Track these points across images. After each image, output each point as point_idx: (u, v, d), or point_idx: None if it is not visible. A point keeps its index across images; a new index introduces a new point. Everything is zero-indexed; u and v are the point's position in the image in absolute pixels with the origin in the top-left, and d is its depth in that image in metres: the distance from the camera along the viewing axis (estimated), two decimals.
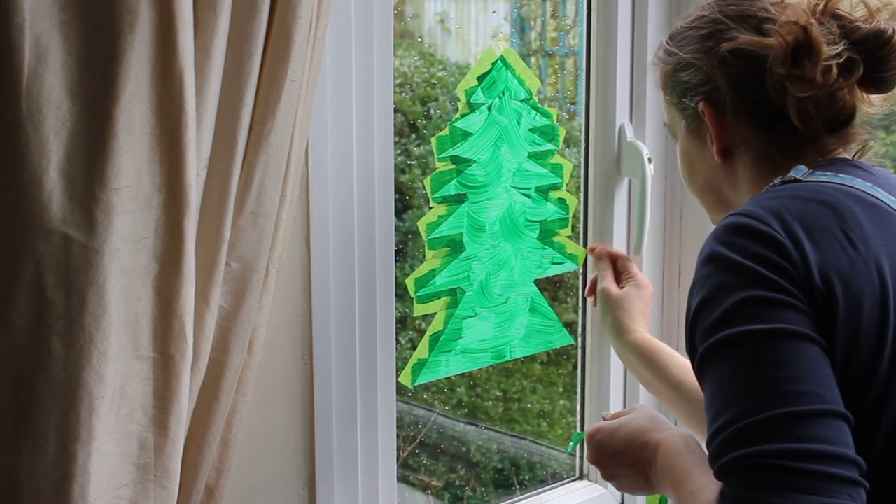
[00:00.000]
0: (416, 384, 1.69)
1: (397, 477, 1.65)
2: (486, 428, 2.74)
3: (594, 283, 1.81)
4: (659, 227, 1.96)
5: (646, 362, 1.62)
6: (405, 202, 2.22)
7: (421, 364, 1.68)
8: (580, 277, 1.97)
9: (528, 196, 1.76)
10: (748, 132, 1.29)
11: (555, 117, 1.78)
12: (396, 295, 1.59)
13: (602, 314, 1.76)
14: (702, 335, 1.10)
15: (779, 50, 1.21)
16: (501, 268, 1.75)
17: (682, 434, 1.28)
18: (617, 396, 1.98)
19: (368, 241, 1.53)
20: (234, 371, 1.25)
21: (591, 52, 1.90)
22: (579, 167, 1.92)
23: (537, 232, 1.78)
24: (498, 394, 2.72)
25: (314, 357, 1.48)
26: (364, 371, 1.55)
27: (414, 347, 1.71)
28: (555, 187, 1.79)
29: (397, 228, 1.60)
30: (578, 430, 2.06)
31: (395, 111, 1.55)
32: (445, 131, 1.65)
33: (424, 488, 2.63)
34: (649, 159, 1.84)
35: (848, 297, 1.07)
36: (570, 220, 1.83)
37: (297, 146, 1.26)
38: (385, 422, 1.60)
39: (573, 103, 2.15)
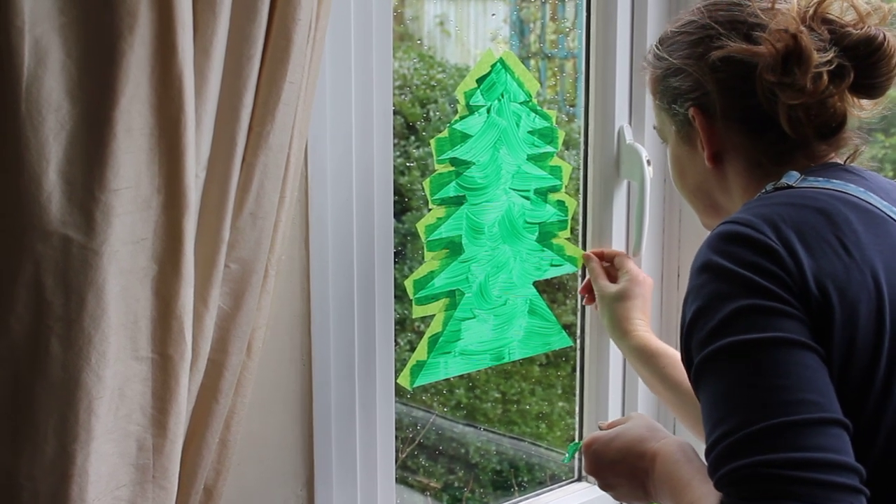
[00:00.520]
0: (415, 386, 1.69)
1: (396, 478, 1.65)
2: (484, 429, 2.74)
3: (588, 283, 1.81)
4: (658, 230, 1.96)
5: (645, 363, 1.63)
6: (404, 204, 2.23)
7: (420, 366, 1.68)
8: (579, 279, 1.97)
9: (527, 198, 1.76)
10: (738, 138, 1.28)
11: (554, 120, 1.78)
12: (395, 296, 1.59)
13: (601, 314, 1.76)
14: (698, 345, 1.09)
15: (768, 58, 1.20)
16: (500, 270, 1.75)
17: (679, 442, 1.27)
18: (616, 398, 1.98)
19: (367, 242, 1.53)
20: (232, 372, 1.25)
21: (590, 54, 1.90)
22: (578, 169, 1.93)
23: (536, 234, 1.78)
24: (497, 395, 2.72)
25: (313, 358, 1.49)
26: (363, 372, 1.55)
27: (413, 349, 1.71)
28: (554, 189, 1.79)
29: (396, 230, 1.60)
30: (575, 436, 2.06)
31: (395, 113, 1.55)
32: (444, 133, 1.65)
33: (423, 490, 2.63)
34: (648, 162, 1.84)
35: (844, 304, 1.07)
36: (569, 222, 1.83)
37: (297, 148, 1.26)
38: (384, 423, 1.60)
39: (572, 106, 2.16)
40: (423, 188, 1.66)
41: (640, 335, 1.67)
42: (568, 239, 1.84)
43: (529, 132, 1.75)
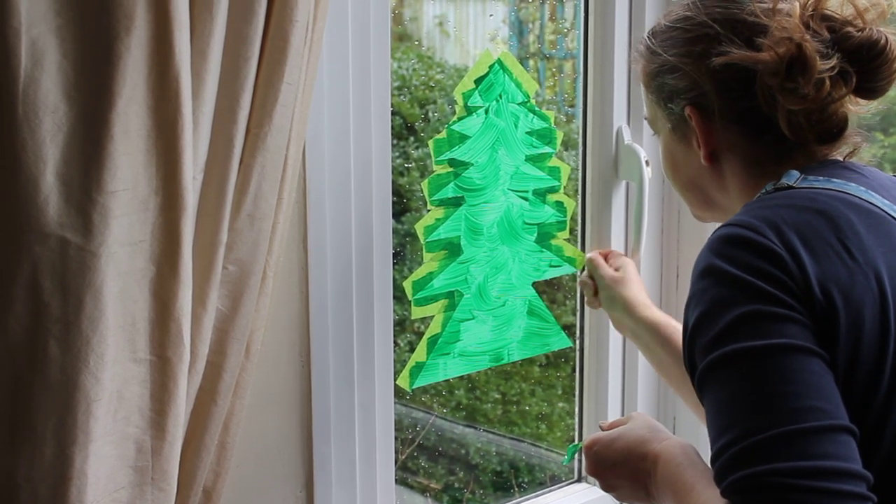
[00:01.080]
0: (414, 387, 1.69)
1: (396, 479, 1.65)
2: (484, 430, 2.74)
3: (589, 277, 1.79)
4: (656, 230, 1.96)
5: (663, 342, 1.61)
6: (403, 205, 2.23)
7: (419, 367, 1.68)
8: (578, 280, 1.97)
9: (526, 199, 1.76)
10: (736, 138, 1.27)
11: (552, 120, 1.78)
12: (394, 297, 1.59)
13: (608, 298, 1.74)
14: (701, 351, 1.08)
15: (771, 64, 1.19)
16: (499, 271, 1.75)
17: (681, 444, 1.26)
18: (615, 398, 1.98)
19: (366, 243, 1.53)
20: (231, 374, 1.25)
21: (588, 55, 1.90)
22: (577, 170, 1.93)
23: (535, 235, 1.78)
24: (497, 396, 2.72)
25: (312, 360, 1.49)
26: (362, 373, 1.55)
27: (412, 350, 1.71)
28: (552, 190, 1.79)
29: (396, 231, 1.60)
30: (575, 437, 2.06)
31: (394, 114, 1.55)
32: (443, 134, 1.65)
33: (423, 490, 2.63)
34: (647, 162, 1.84)
35: (849, 308, 1.06)
36: (568, 222, 1.83)
37: (294, 149, 1.26)
38: (383, 424, 1.60)
39: (571, 106, 2.15)
40: (421, 189, 1.66)
41: (657, 312, 1.65)
42: (567, 240, 1.84)
43: (528, 133, 1.75)
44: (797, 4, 1.22)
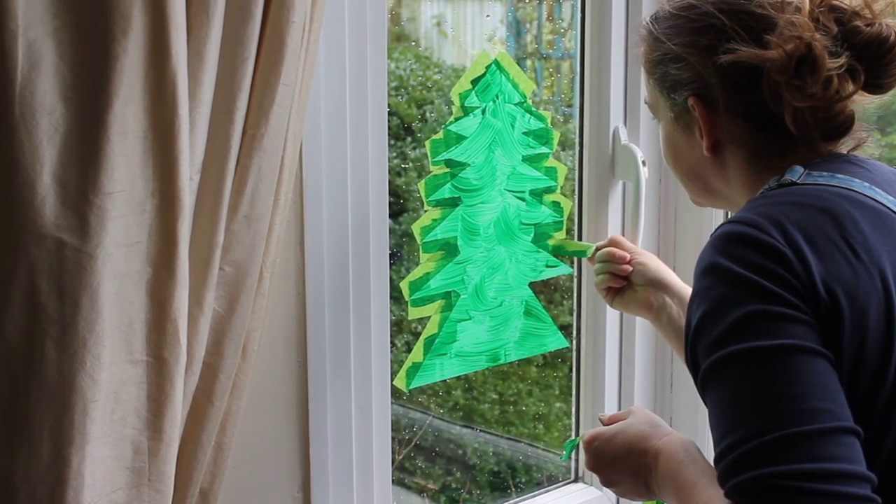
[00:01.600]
0: (411, 387, 1.69)
1: (393, 480, 1.66)
2: (481, 430, 2.74)
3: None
4: (653, 230, 1.96)
5: None
6: (401, 205, 2.23)
7: (416, 367, 1.68)
8: (575, 280, 1.98)
9: (523, 199, 1.76)
10: (740, 131, 1.25)
11: (549, 120, 1.78)
12: (391, 298, 1.59)
13: (641, 274, 1.64)
14: (705, 350, 1.08)
15: (779, 61, 1.17)
16: (496, 271, 1.75)
17: (682, 440, 1.25)
18: (612, 399, 1.98)
19: (363, 244, 1.53)
20: (228, 375, 1.25)
21: (585, 55, 1.90)
22: (574, 170, 1.93)
23: (532, 235, 1.78)
24: (494, 396, 2.72)
25: (308, 360, 1.49)
26: (359, 374, 1.55)
27: (409, 350, 1.71)
28: (549, 190, 1.80)
29: (393, 231, 1.60)
30: (572, 436, 2.06)
31: (391, 114, 1.55)
32: (439, 135, 1.65)
33: (420, 491, 2.63)
34: (643, 162, 1.84)
35: (853, 308, 1.05)
36: (565, 223, 1.83)
37: (291, 150, 1.26)
38: (380, 425, 1.60)
39: (568, 106, 2.16)
40: (418, 189, 1.66)
41: (682, 284, 1.62)
42: (563, 240, 1.84)
43: (524, 133, 1.75)
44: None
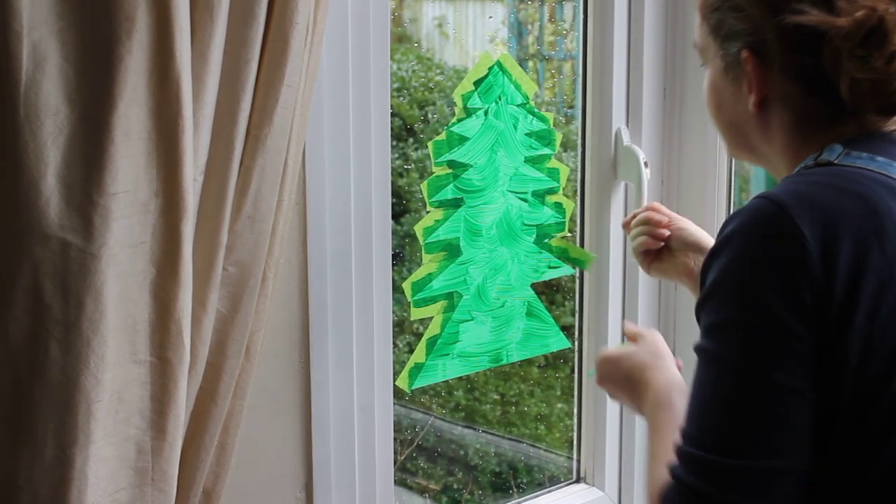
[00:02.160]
0: (413, 388, 1.69)
1: (395, 480, 1.66)
2: (483, 431, 2.74)
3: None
4: None
5: None
6: (403, 206, 2.23)
7: (418, 368, 1.69)
8: (577, 281, 1.98)
9: (525, 200, 1.76)
10: (791, 91, 1.20)
11: (551, 121, 1.78)
12: (394, 299, 1.60)
13: (680, 239, 1.60)
14: (704, 320, 1.10)
15: (846, 29, 1.13)
16: (498, 272, 1.75)
17: (669, 383, 1.30)
18: None
19: (366, 244, 1.53)
20: (231, 375, 1.25)
21: (587, 56, 1.90)
22: (576, 171, 1.93)
23: (534, 236, 1.79)
24: (496, 397, 2.72)
25: (311, 361, 1.49)
26: (361, 375, 1.55)
27: (411, 351, 1.71)
28: (551, 191, 1.80)
29: (396, 232, 1.60)
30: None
31: (393, 115, 1.55)
32: (442, 136, 1.66)
33: (422, 492, 2.63)
34: (645, 163, 1.84)
35: (875, 299, 1.04)
36: (567, 224, 1.83)
37: (294, 151, 1.26)
38: (382, 425, 1.60)
39: (571, 107, 2.16)
40: (421, 190, 1.66)
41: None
42: (568, 242, 1.84)
43: (527, 134, 1.75)
44: None
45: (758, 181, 3.09)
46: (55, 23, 1.02)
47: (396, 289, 1.62)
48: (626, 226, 1.64)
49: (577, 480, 2.05)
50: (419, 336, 1.71)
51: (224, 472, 1.30)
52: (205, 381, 1.23)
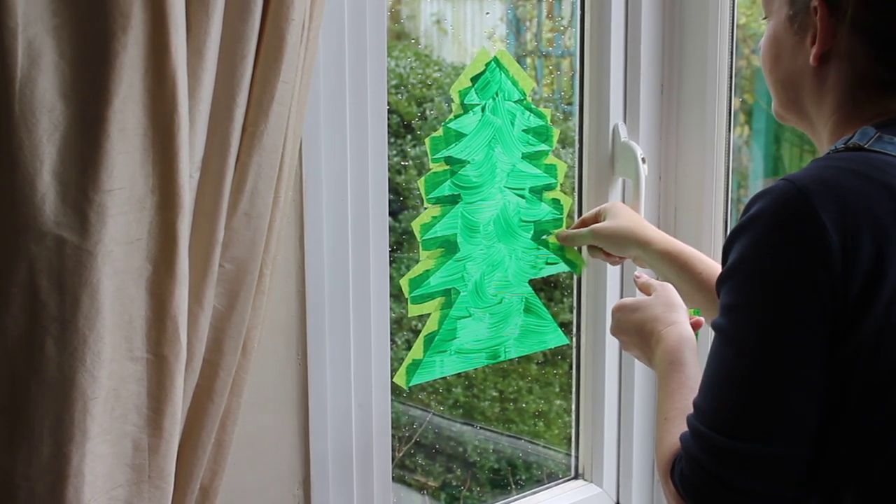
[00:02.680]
0: (411, 384, 1.69)
1: (393, 477, 1.66)
2: (482, 428, 2.74)
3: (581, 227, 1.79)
4: None
5: (678, 270, 1.63)
6: (400, 203, 2.23)
7: (416, 364, 1.69)
8: (575, 277, 1.98)
9: (522, 196, 1.76)
10: (857, 48, 1.17)
11: (549, 118, 1.78)
12: (391, 295, 1.60)
13: (616, 246, 1.73)
14: (723, 298, 1.12)
15: None
16: (496, 268, 1.75)
17: (680, 338, 1.33)
18: (612, 395, 1.98)
19: (363, 241, 1.53)
20: (228, 372, 1.25)
21: (584, 52, 1.90)
22: (573, 167, 1.93)
23: (531, 232, 1.78)
24: (494, 394, 2.72)
25: (308, 358, 1.49)
26: (359, 371, 1.55)
27: (409, 348, 1.71)
28: (549, 188, 1.80)
29: (394, 229, 1.60)
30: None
31: (391, 112, 1.55)
32: (439, 132, 1.65)
33: (420, 488, 2.63)
34: (643, 159, 1.84)
35: (890, 296, 1.04)
36: (565, 220, 1.83)
37: (291, 147, 1.26)
38: (380, 422, 1.60)
39: (568, 104, 2.16)
40: (418, 187, 1.66)
41: (662, 239, 1.67)
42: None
43: (524, 131, 1.75)
44: None
45: (756, 177, 3.10)
46: (50, 19, 1.02)
47: (394, 285, 1.62)
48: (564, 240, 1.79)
49: (576, 477, 2.05)
50: (417, 333, 1.71)
51: (221, 468, 1.30)
52: (201, 378, 1.23)
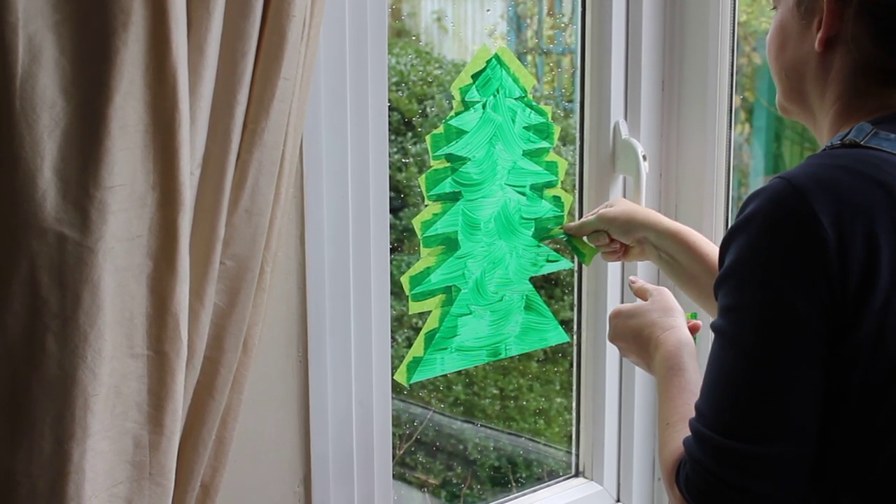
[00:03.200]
0: (412, 382, 1.69)
1: (393, 474, 1.66)
2: (482, 425, 2.74)
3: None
4: None
5: (686, 250, 1.63)
6: (401, 200, 2.23)
7: (416, 362, 1.69)
8: (575, 275, 1.98)
9: (523, 194, 1.76)
10: (863, 31, 1.17)
11: (550, 115, 1.78)
12: (392, 293, 1.60)
13: (627, 223, 1.71)
14: (721, 300, 1.11)
15: None
16: (496, 266, 1.75)
17: (679, 343, 1.32)
18: (613, 393, 1.98)
19: (363, 238, 1.53)
20: (228, 369, 1.25)
21: (585, 50, 1.90)
22: (574, 165, 1.93)
23: (532, 230, 1.78)
24: (495, 391, 2.72)
25: (309, 355, 1.49)
26: (359, 369, 1.55)
27: (410, 345, 1.71)
28: (550, 185, 1.80)
29: (394, 226, 1.60)
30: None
31: (392, 109, 1.55)
32: (440, 129, 1.65)
33: (421, 486, 2.63)
34: (644, 157, 1.84)
35: (887, 294, 1.04)
36: (566, 217, 1.83)
37: (291, 144, 1.26)
38: (381, 419, 1.60)
39: (569, 101, 2.16)
40: (419, 184, 1.66)
41: (669, 220, 1.67)
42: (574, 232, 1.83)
43: (525, 128, 1.75)
44: None
45: (757, 175, 3.10)
46: (51, 15, 1.02)
47: (394, 283, 1.62)
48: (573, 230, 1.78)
49: (576, 475, 2.05)
50: (417, 330, 1.71)
51: (222, 466, 1.30)
52: (202, 375, 1.23)
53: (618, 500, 2.03)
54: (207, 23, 1.12)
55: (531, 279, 1.80)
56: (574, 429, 2.06)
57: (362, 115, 1.50)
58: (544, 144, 1.78)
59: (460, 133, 1.67)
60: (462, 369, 1.79)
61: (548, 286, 2.29)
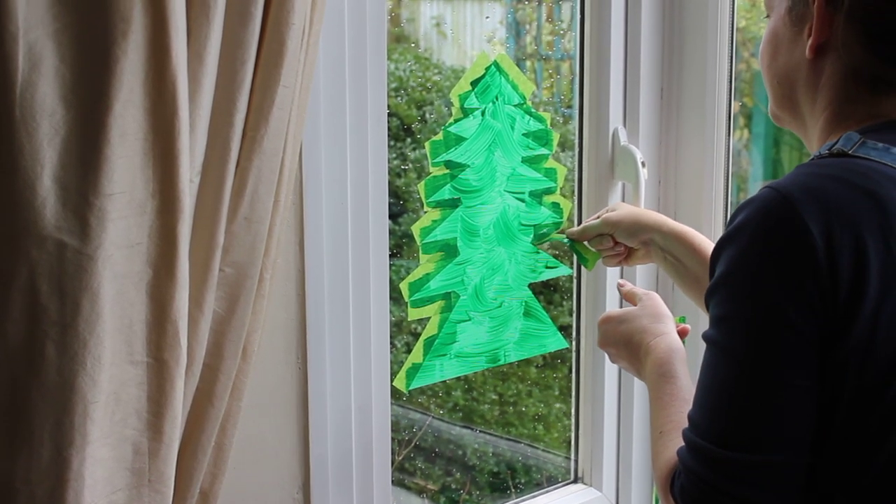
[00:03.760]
0: (411, 388, 1.69)
1: (392, 480, 1.66)
2: (481, 431, 2.74)
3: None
4: None
5: (691, 252, 1.62)
6: (400, 206, 2.23)
7: (415, 368, 1.69)
8: (574, 281, 1.98)
9: (522, 200, 1.76)
10: (853, 38, 1.17)
11: (549, 121, 1.78)
12: (391, 299, 1.60)
13: (632, 226, 1.69)
14: (712, 310, 1.11)
15: None
16: (496, 272, 1.75)
17: (669, 350, 1.32)
18: (612, 399, 1.98)
19: (363, 245, 1.53)
20: (228, 376, 1.25)
21: (584, 56, 1.90)
22: (573, 171, 1.93)
23: (531, 236, 1.79)
24: (494, 397, 2.72)
25: (308, 361, 1.49)
26: (358, 375, 1.55)
27: (409, 351, 1.71)
28: (549, 191, 1.80)
29: (393, 232, 1.60)
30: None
31: (391, 115, 1.55)
32: (439, 136, 1.66)
33: (420, 492, 2.63)
34: (643, 163, 1.84)
35: (876, 301, 1.04)
36: (565, 224, 1.83)
37: (291, 151, 1.26)
38: (380, 425, 1.60)
39: (568, 107, 2.16)
40: (418, 191, 1.66)
41: (673, 221, 1.66)
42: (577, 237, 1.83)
43: (524, 134, 1.75)
44: None
45: (755, 181, 3.10)
46: (51, 24, 1.02)
47: (393, 289, 1.62)
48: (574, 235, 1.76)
49: (575, 481, 2.05)
50: (417, 336, 1.71)
51: (221, 472, 1.30)
52: (202, 382, 1.23)
53: None
54: (207, 31, 1.12)
55: (530, 285, 1.81)
56: (573, 434, 2.06)
57: (361, 120, 1.50)
58: (543, 151, 1.78)
59: (459, 140, 1.67)
60: (461, 375, 1.79)
61: (547, 292, 2.29)
